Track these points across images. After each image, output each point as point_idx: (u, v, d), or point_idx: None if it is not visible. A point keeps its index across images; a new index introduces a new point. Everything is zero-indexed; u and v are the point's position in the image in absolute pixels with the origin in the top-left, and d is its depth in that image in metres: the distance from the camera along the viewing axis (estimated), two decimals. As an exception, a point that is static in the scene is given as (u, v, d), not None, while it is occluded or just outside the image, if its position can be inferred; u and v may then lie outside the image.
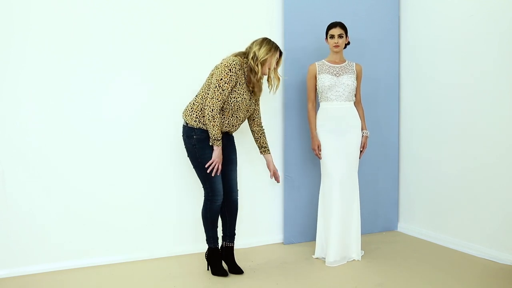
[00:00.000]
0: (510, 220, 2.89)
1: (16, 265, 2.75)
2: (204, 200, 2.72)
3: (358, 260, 3.01)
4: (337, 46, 2.98)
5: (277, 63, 2.70)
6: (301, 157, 3.38)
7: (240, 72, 2.60)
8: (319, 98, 3.09)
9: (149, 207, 3.08)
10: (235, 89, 2.59)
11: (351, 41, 3.14)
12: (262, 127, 2.87)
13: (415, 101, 3.64)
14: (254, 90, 2.72)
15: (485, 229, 3.06)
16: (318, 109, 3.10)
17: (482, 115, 3.07)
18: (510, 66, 2.88)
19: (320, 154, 3.02)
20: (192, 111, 2.64)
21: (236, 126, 2.72)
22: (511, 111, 2.88)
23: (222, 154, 2.69)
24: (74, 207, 2.89)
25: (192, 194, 3.11)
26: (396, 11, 3.72)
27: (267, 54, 2.62)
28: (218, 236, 2.79)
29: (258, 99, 2.80)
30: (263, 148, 2.88)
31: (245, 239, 3.21)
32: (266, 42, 2.67)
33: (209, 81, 2.64)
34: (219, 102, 2.53)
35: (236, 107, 2.63)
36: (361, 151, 3.09)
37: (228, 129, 2.68)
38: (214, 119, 2.53)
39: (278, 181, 2.96)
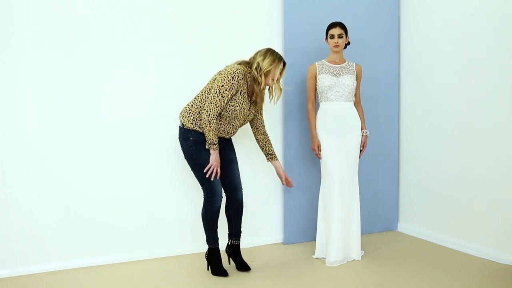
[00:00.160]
0: (510, 220, 2.89)
1: (16, 265, 2.75)
2: (204, 201, 2.72)
3: (358, 260, 3.01)
4: (337, 46, 2.98)
5: (280, 74, 2.70)
6: (301, 157, 3.38)
7: (243, 81, 2.60)
8: (319, 98, 3.09)
9: (149, 207, 3.08)
10: (235, 98, 2.59)
11: (351, 41, 3.14)
12: (266, 135, 2.86)
13: (415, 101, 3.64)
14: (256, 100, 2.72)
15: (485, 229, 3.06)
16: (318, 109, 3.10)
17: (482, 115, 3.07)
18: (510, 66, 2.87)
19: (320, 154, 3.02)
20: (190, 113, 2.64)
21: (230, 133, 2.72)
22: (511, 111, 2.88)
23: (221, 155, 2.69)
24: (74, 207, 2.89)
25: (192, 194, 3.11)
26: (396, 11, 3.72)
27: (270, 65, 2.62)
28: (220, 235, 2.79)
29: (261, 108, 2.80)
30: (270, 156, 2.87)
31: (245, 239, 3.20)
32: (270, 53, 2.66)
33: (210, 85, 2.63)
34: (217, 108, 2.53)
35: (234, 116, 2.63)
36: (361, 150, 3.09)
37: (222, 135, 2.69)
38: (210, 123, 2.53)
39: (290, 186, 2.96)
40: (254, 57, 2.68)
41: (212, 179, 2.63)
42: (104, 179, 2.96)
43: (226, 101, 2.54)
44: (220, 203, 2.70)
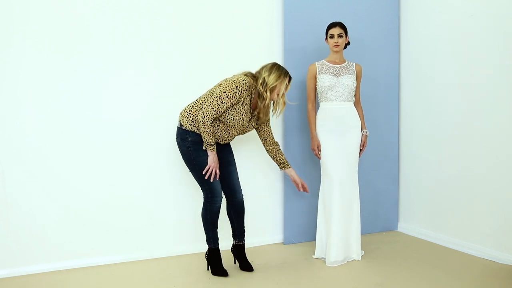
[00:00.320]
0: (510, 220, 2.89)
1: (16, 265, 2.75)
2: (204, 202, 2.72)
3: (358, 260, 3.01)
4: (337, 46, 2.98)
5: (286, 88, 2.70)
6: (301, 157, 3.38)
7: (246, 93, 2.60)
8: (319, 98, 3.09)
9: (149, 207, 3.08)
10: (235, 107, 2.59)
11: (351, 41, 3.14)
12: (276, 145, 2.86)
13: (415, 101, 3.64)
14: (259, 116, 2.73)
15: (485, 229, 3.06)
16: (318, 109, 3.10)
17: (482, 115, 3.07)
18: (510, 66, 2.87)
19: (319, 154, 3.03)
20: (190, 114, 2.64)
21: (225, 140, 2.73)
22: (511, 111, 2.88)
23: (219, 157, 2.70)
24: (74, 207, 2.89)
25: (192, 194, 3.11)
26: (396, 11, 3.72)
27: (276, 81, 2.63)
28: (220, 235, 2.79)
29: (268, 121, 2.81)
30: (282, 165, 2.87)
31: (245, 239, 3.20)
32: (276, 68, 2.66)
33: (214, 89, 2.64)
34: (214, 112, 2.53)
35: (231, 124, 2.63)
36: (360, 150, 3.09)
37: (218, 140, 2.69)
38: (205, 125, 2.53)
39: (307, 192, 2.97)
40: (259, 72, 2.68)
41: (211, 181, 2.63)
42: (104, 179, 2.96)
43: (224, 108, 2.54)
44: (220, 203, 2.71)
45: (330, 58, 3.07)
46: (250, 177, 3.25)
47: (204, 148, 2.61)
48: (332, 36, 2.98)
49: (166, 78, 3.08)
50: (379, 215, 3.73)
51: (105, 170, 2.96)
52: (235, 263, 2.90)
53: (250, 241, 3.21)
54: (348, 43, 3.09)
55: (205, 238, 2.76)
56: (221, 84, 2.61)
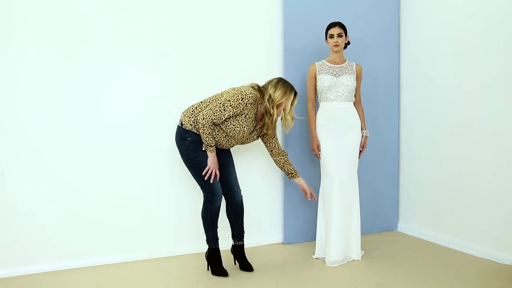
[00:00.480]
0: (510, 220, 2.89)
1: (16, 265, 2.75)
2: (204, 201, 2.72)
3: (358, 260, 3.01)
4: (336, 46, 2.98)
5: (292, 104, 2.70)
6: (301, 157, 3.38)
7: (251, 106, 2.60)
8: (318, 98, 3.09)
9: (149, 207, 3.08)
10: (238, 119, 2.59)
11: (351, 41, 3.14)
12: (283, 156, 2.85)
13: (415, 101, 3.64)
14: (267, 132, 2.74)
15: (485, 229, 3.06)
16: (318, 109, 3.10)
17: (482, 115, 3.07)
18: (510, 66, 2.87)
19: (319, 154, 3.03)
20: (192, 114, 2.64)
21: (224, 146, 2.73)
22: (511, 111, 2.88)
23: (217, 158, 2.70)
24: (74, 207, 2.89)
25: (192, 194, 3.11)
26: (396, 11, 3.72)
27: (282, 97, 2.64)
28: (220, 235, 2.79)
29: (275, 135, 2.81)
30: (291, 174, 2.87)
31: (245, 239, 3.20)
32: (281, 84, 2.67)
33: (220, 95, 2.63)
34: (214, 117, 2.53)
35: (231, 134, 2.63)
36: (360, 151, 3.09)
37: (216, 146, 2.69)
38: (204, 127, 2.54)
39: (316, 200, 2.99)
40: (265, 87, 2.68)
41: (211, 182, 2.64)
42: (104, 179, 2.96)
43: (226, 116, 2.54)
44: (220, 202, 2.71)
45: (330, 58, 3.07)
46: (250, 177, 3.25)
47: (203, 149, 2.61)
48: (331, 36, 2.98)
49: (166, 78, 3.08)
50: (379, 215, 3.73)
51: (105, 170, 2.96)
52: (235, 263, 2.90)
53: (250, 241, 3.21)
54: (348, 43, 3.08)
55: (205, 238, 2.76)
56: (228, 92, 2.61)
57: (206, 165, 2.62)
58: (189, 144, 2.64)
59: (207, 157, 2.62)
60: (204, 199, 2.72)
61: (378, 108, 3.65)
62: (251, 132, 2.73)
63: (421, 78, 3.57)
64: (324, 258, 3.00)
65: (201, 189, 2.72)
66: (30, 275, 2.75)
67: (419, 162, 3.61)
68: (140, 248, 3.06)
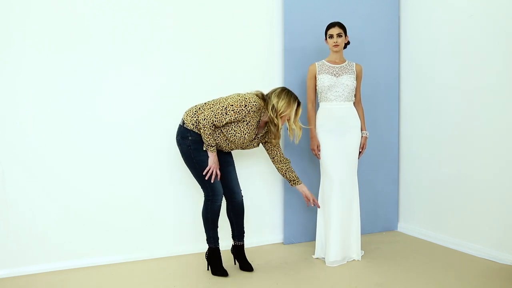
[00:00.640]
0: (510, 220, 2.89)
1: (16, 265, 2.75)
2: (204, 201, 2.72)
3: (358, 260, 3.01)
4: (336, 46, 2.98)
5: (296, 113, 2.69)
6: (301, 157, 3.38)
7: (254, 114, 2.60)
8: (318, 98, 3.09)
9: (149, 207, 3.08)
10: (239, 125, 2.60)
11: (351, 41, 3.14)
12: (285, 163, 2.85)
13: (415, 101, 3.64)
14: (271, 140, 2.75)
15: (485, 229, 3.06)
16: (317, 109, 3.10)
17: (482, 115, 3.07)
18: (510, 66, 2.87)
19: (319, 154, 3.03)
20: (195, 114, 2.64)
21: (224, 149, 2.73)
22: (511, 111, 2.88)
23: (218, 157, 2.70)
24: (74, 207, 2.89)
25: (192, 194, 3.11)
26: (396, 11, 3.72)
27: (286, 107, 2.63)
28: (220, 235, 2.80)
29: (278, 144, 2.82)
30: (293, 181, 2.88)
31: (245, 239, 3.20)
32: (285, 94, 2.66)
33: (224, 99, 2.63)
34: (215, 119, 2.54)
35: (231, 139, 2.64)
36: (360, 152, 3.09)
37: (216, 146, 2.69)
38: (205, 128, 2.55)
39: (319, 206, 2.99)
40: (269, 97, 2.67)
41: (212, 181, 2.64)
42: (104, 179, 2.96)
43: (227, 120, 2.54)
44: (221, 201, 2.71)
45: (330, 58, 3.07)
46: (250, 177, 3.25)
47: (204, 149, 2.62)
48: (331, 36, 2.98)
49: (166, 78, 3.08)
50: (379, 215, 3.73)
51: (105, 170, 2.95)
52: (235, 263, 2.90)
53: (250, 241, 3.21)
54: (348, 43, 3.08)
55: (205, 238, 2.76)
56: (232, 97, 2.61)
57: (207, 165, 2.62)
58: (190, 144, 2.64)
59: (207, 156, 2.62)
60: (204, 198, 2.72)
61: (378, 108, 3.65)
62: (252, 140, 2.73)
63: (421, 78, 3.57)
64: (324, 258, 3.00)
65: (201, 188, 2.72)
66: (30, 275, 2.75)
67: (419, 162, 3.61)
68: (140, 248, 3.05)
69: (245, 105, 2.55)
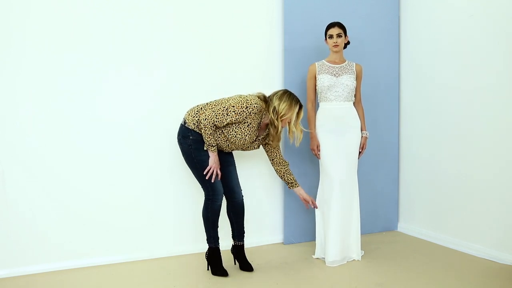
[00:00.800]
0: (510, 220, 2.89)
1: (16, 265, 2.75)
2: (205, 200, 2.72)
3: (358, 260, 3.01)
4: (336, 46, 2.98)
5: (298, 116, 2.69)
6: (300, 157, 3.38)
7: (255, 116, 2.60)
8: (318, 98, 3.09)
9: (149, 207, 3.08)
10: (240, 126, 2.60)
11: (351, 41, 3.14)
12: (284, 165, 2.86)
13: (415, 101, 3.64)
14: (271, 142, 2.75)
15: (485, 229, 3.06)
16: (317, 109, 3.10)
17: (482, 115, 3.07)
18: (510, 66, 2.87)
19: (318, 154, 3.03)
20: (197, 114, 2.64)
21: (224, 149, 2.73)
22: (511, 111, 2.88)
23: (219, 157, 2.70)
24: (74, 207, 2.89)
25: (192, 193, 3.11)
26: (396, 11, 3.72)
27: (287, 110, 2.63)
28: (220, 235, 2.80)
29: (278, 146, 2.82)
30: (290, 184, 2.89)
31: (245, 239, 3.20)
32: (286, 96, 2.66)
33: (226, 100, 2.63)
34: (216, 120, 2.54)
35: (232, 140, 2.64)
36: (360, 152, 3.09)
37: (217, 146, 2.69)
38: (205, 127, 2.55)
39: (317, 208, 3.01)
40: (271, 99, 2.67)
41: (212, 181, 2.64)
42: (104, 179, 2.96)
43: (228, 121, 2.55)
44: (221, 201, 2.71)
45: (330, 58, 3.07)
46: (250, 177, 3.25)
47: (205, 149, 2.62)
48: (331, 36, 2.98)
49: (166, 78, 3.08)
50: (379, 215, 3.73)
51: (105, 170, 2.95)
52: (235, 263, 2.90)
53: (250, 241, 3.21)
54: (348, 43, 3.08)
55: (206, 237, 2.76)
56: (234, 98, 2.61)
57: (208, 164, 2.63)
58: (191, 143, 2.64)
59: (208, 156, 2.62)
60: (205, 197, 2.72)
61: (378, 108, 3.65)
62: (253, 141, 2.73)
63: (421, 78, 3.57)
64: (324, 258, 3.00)
65: (202, 187, 2.72)
66: (30, 275, 2.75)
67: (419, 162, 3.61)
68: (140, 248, 3.05)
69: (247, 107, 2.55)
